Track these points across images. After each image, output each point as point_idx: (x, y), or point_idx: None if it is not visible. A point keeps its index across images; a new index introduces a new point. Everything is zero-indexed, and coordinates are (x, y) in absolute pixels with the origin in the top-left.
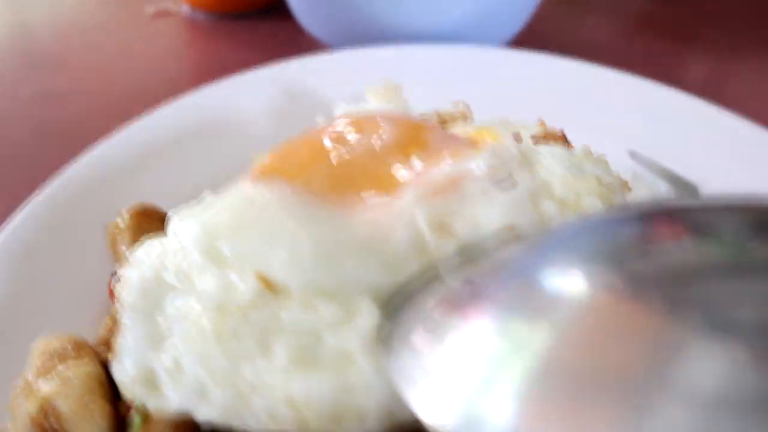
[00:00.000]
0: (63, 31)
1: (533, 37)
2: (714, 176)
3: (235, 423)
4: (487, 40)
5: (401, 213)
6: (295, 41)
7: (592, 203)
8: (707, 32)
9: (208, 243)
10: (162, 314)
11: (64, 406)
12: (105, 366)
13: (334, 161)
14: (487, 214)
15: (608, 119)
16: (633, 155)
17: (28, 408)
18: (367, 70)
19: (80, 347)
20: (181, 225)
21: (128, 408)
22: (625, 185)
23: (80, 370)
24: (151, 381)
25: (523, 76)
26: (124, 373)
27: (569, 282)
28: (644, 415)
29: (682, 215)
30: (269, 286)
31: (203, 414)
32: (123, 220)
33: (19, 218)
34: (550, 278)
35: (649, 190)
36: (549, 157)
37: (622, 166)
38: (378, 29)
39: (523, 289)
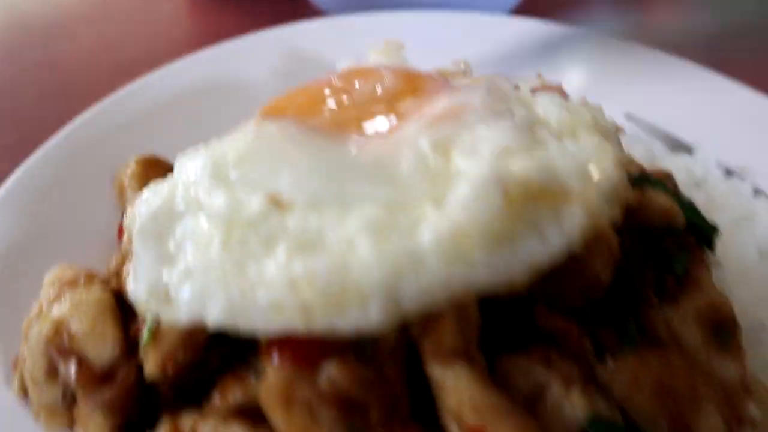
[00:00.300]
0: (66, 1)
1: (537, 4)
2: (708, 138)
3: (242, 324)
4: (491, 8)
5: (405, 139)
6: (297, 11)
7: (590, 138)
8: None
9: (216, 170)
10: (172, 237)
11: (77, 327)
12: (115, 295)
13: (337, 103)
14: (486, 138)
15: (605, 83)
16: (629, 117)
17: (41, 330)
18: (370, 34)
19: (91, 277)
20: (189, 160)
21: (137, 330)
22: (620, 129)
23: (92, 296)
24: (163, 294)
25: (523, 41)
26: (138, 290)
27: None
28: None
29: None
30: (277, 203)
31: (212, 317)
32: (130, 168)
33: (32, 161)
34: None
35: (645, 149)
36: (545, 100)
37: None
38: None
39: None
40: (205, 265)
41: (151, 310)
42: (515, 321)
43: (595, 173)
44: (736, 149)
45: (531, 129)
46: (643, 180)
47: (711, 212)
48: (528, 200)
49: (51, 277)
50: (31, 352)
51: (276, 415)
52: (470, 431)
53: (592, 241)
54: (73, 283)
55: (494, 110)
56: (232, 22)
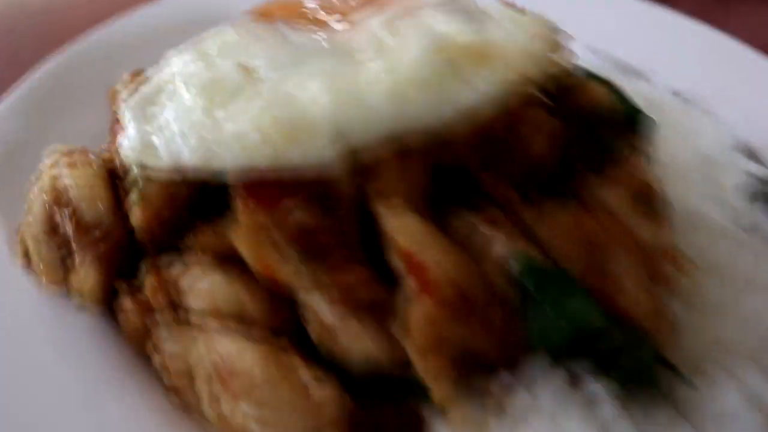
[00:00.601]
0: None
1: None
2: (663, 69)
3: (214, 164)
4: None
5: (362, 26)
6: None
7: (523, 23)
8: None
9: (198, 53)
10: (156, 103)
11: (71, 183)
12: (107, 169)
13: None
14: (434, 21)
15: (568, 16)
16: (591, 49)
17: (41, 186)
18: None
19: (86, 151)
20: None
21: (126, 194)
22: (564, 35)
23: (86, 165)
24: (147, 146)
25: None
26: (128, 146)
27: None
28: None
29: None
30: (246, 69)
31: (187, 158)
32: (123, 82)
33: (36, 74)
34: None
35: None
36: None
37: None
38: None
39: None
40: (181, 116)
41: (138, 162)
42: (464, 187)
43: (523, 42)
44: (689, 78)
45: (477, 17)
46: (585, 73)
47: (660, 126)
48: (460, 58)
49: (51, 150)
50: (32, 209)
51: (246, 251)
52: (405, 259)
53: (533, 124)
54: (69, 154)
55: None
56: None
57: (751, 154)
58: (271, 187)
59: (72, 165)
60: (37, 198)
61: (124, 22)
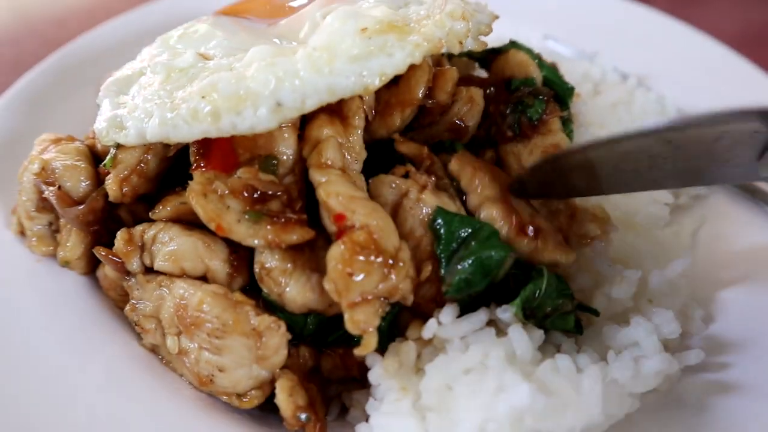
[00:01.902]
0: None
1: None
2: (609, 49)
3: (172, 135)
4: None
5: (306, 15)
6: None
7: (449, 7)
8: None
9: (163, 43)
10: (127, 89)
11: (59, 165)
12: (90, 151)
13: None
14: (364, 5)
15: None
16: (546, 37)
17: (31, 169)
18: None
19: (72, 138)
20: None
21: (105, 173)
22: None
23: (71, 146)
24: (117, 124)
25: None
26: (101, 124)
27: None
28: None
29: None
30: (203, 56)
31: (150, 132)
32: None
33: (32, 73)
34: None
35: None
36: None
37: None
38: None
39: None
40: (147, 98)
41: (110, 139)
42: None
43: (441, 19)
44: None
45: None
46: (511, 45)
47: (596, 95)
48: (380, 32)
49: (40, 138)
50: (24, 188)
51: (198, 208)
52: (336, 220)
53: (457, 92)
54: (57, 141)
55: None
56: None
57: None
58: (222, 154)
59: (58, 149)
60: (28, 179)
61: (111, 25)
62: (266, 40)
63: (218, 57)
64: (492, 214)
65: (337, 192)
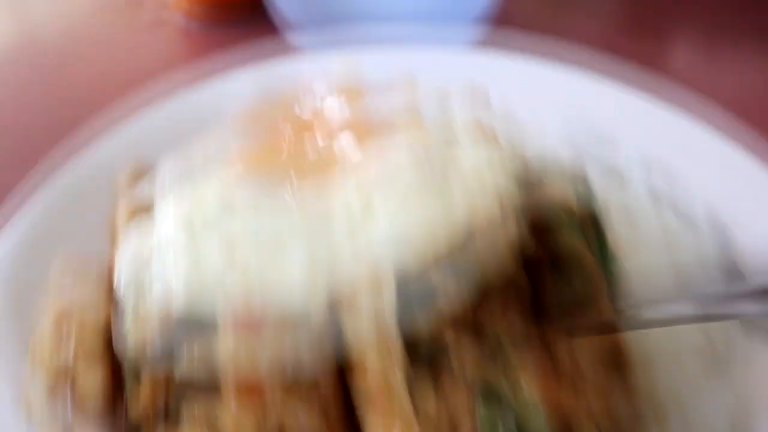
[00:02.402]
0: (57, 40)
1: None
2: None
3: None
4: (462, 17)
5: (337, 194)
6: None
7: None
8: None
9: (184, 222)
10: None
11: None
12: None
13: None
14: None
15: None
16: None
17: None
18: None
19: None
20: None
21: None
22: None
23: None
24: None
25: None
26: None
27: None
28: None
29: None
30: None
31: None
32: (120, 213)
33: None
34: None
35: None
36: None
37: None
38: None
39: None
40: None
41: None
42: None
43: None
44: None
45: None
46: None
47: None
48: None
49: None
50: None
51: None
52: None
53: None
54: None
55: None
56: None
57: (735, 272)
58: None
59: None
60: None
61: (125, 128)
62: (296, 225)
63: (245, 248)
64: None
65: None
